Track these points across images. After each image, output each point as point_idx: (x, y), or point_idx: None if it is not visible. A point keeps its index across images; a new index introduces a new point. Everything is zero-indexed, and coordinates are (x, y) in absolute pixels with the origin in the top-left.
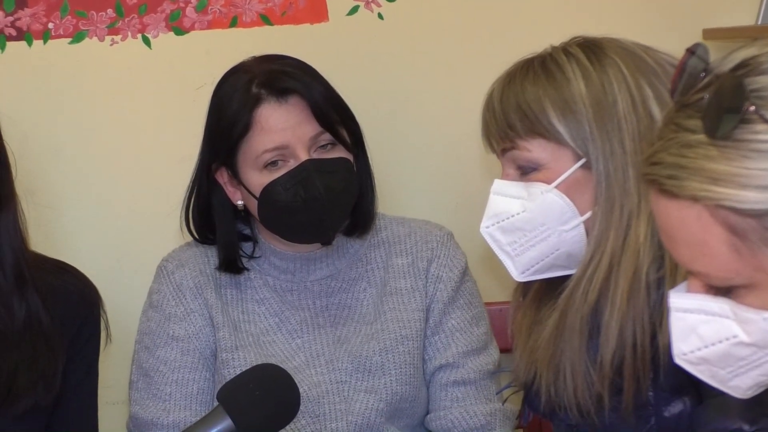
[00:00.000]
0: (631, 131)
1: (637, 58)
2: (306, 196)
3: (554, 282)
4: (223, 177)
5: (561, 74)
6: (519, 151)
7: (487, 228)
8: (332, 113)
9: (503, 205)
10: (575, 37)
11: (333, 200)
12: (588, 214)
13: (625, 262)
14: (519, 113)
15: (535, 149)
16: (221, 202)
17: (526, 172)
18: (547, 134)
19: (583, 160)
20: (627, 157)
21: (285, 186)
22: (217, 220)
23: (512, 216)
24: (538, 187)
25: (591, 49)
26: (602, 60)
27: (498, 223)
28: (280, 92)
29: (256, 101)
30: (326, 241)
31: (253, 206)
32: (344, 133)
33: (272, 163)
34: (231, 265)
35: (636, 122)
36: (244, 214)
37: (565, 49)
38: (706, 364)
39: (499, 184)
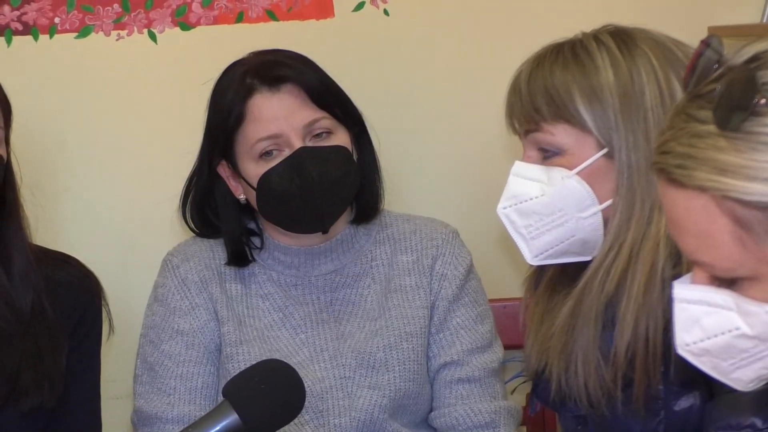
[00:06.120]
0: (657, 124)
1: (667, 51)
2: (301, 184)
3: (568, 270)
4: (225, 171)
5: (590, 62)
6: (542, 134)
7: (504, 209)
8: (329, 96)
9: (522, 188)
10: (606, 25)
11: (328, 188)
12: (607, 203)
13: (644, 255)
14: (546, 97)
15: (559, 134)
16: (224, 196)
17: (548, 156)
18: (572, 120)
19: (605, 149)
20: (651, 149)
21: (280, 174)
22: (221, 215)
23: (530, 199)
24: (558, 172)
25: (622, 38)
26: (632, 50)
27: (515, 204)
28: (273, 81)
29: (249, 91)
30: (323, 230)
31: (253, 198)
32: (342, 116)
33: (267, 153)
34: (240, 256)
35: (663, 115)
36: (247, 209)
37: (596, 36)
38: (708, 355)
39: (519, 166)
